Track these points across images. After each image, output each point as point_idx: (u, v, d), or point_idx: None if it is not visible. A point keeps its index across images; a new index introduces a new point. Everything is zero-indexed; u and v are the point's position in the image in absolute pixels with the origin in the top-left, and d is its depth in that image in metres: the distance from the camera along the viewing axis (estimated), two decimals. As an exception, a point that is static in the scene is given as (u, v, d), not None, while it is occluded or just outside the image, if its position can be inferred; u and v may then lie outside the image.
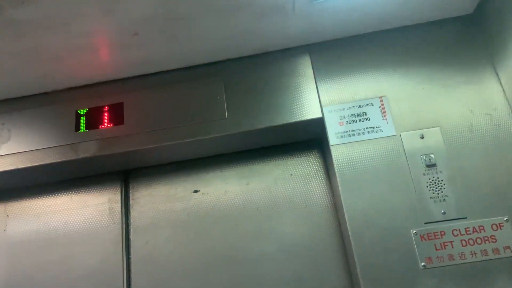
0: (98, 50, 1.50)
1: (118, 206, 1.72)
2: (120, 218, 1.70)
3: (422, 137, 1.42)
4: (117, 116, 1.62)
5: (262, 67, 1.62)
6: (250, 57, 1.65)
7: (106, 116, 1.62)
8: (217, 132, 1.55)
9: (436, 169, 1.38)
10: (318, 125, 1.53)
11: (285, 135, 1.64)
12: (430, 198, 1.35)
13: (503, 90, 1.43)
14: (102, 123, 1.61)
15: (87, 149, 1.58)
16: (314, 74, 1.58)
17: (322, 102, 1.53)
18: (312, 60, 1.60)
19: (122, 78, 1.69)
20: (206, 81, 1.63)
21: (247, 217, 1.64)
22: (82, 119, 1.63)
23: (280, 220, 1.62)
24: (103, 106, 1.64)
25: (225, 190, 1.70)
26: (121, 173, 1.78)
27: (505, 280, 1.24)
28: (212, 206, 1.68)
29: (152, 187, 1.75)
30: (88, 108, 1.64)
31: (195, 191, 1.72)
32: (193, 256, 1.62)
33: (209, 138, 1.56)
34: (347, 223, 1.36)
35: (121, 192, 1.75)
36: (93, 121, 1.62)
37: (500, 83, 1.44)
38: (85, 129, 1.61)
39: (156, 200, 1.73)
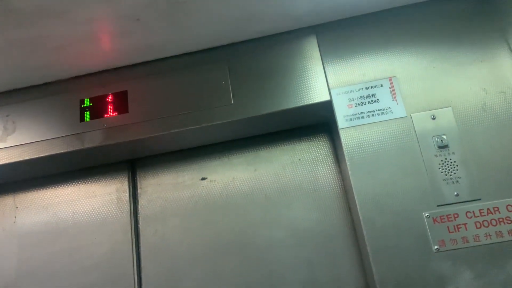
0: (100, 37, 1.47)
1: (126, 196, 1.71)
2: (128, 208, 1.70)
3: (434, 118, 1.38)
4: (122, 104, 1.60)
5: (267, 50, 1.58)
6: (254, 40, 1.61)
7: (110, 105, 1.60)
8: (222, 118, 1.52)
9: (449, 150, 1.34)
10: (326, 108, 1.50)
11: (293, 120, 1.61)
12: (443, 180, 1.31)
13: (518, 67, 1.39)
14: (106, 112, 1.59)
15: (93, 139, 1.57)
16: (321, 56, 1.53)
17: (330, 85, 1.49)
18: (318, 41, 1.56)
19: (125, 66, 1.66)
20: (210, 66, 1.60)
21: (256, 204, 1.63)
22: (87, 109, 1.61)
23: (289, 206, 1.60)
24: (107, 95, 1.62)
25: (233, 177, 1.68)
26: (128, 162, 1.77)
27: (520, 261, 1.22)
28: (220, 193, 1.67)
29: (160, 176, 1.74)
30: (92, 97, 1.62)
31: (203, 179, 1.70)
32: (202, 244, 1.61)
33: (215, 124, 1.53)
34: (358, 207, 1.34)
35: (129, 181, 1.74)
36: (97, 110, 1.60)
37: (515, 60, 1.40)
38: (90, 118, 1.59)
39: (164, 189, 1.72)
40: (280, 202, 1.61)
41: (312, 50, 1.55)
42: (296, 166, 1.65)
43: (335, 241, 1.53)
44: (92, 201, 1.73)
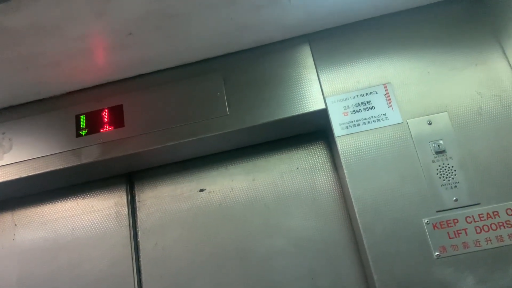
0: (94, 52, 1.47)
1: (124, 209, 1.71)
2: (128, 221, 1.69)
3: (430, 123, 1.38)
4: (117, 118, 1.59)
5: (261, 60, 1.58)
6: (248, 50, 1.61)
7: (106, 119, 1.60)
8: (218, 129, 1.52)
9: (446, 155, 1.33)
10: (322, 116, 1.49)
11: (289, 129, 1.60)
12: (441, 185, 1.31)
13: (512, 70, 1.39)
14: (102, 127, 1.59)
15: (89, 154, 1.56)
16: (315, 64, 1.53)
17: (324, 93, 1.49)
18: (312, 49, 1.56)
19: (119, 80, 1.66)
20: (205, 77, 1.60)
21: (255, 213, 1.62)
22: (82, 124, 1.61)
23: (289, 215, 1.59)
24: (103, 109, 1.61)
25: (232, 187, 1.68)
26: (125, 175, 1.76)
27: (522, 265, 1.21)
28: (219, 204, 1.66)
29: (158, 188, 1.74)
30: (88, 112, 1.62)
31: (201, 190, 1.70)
32: (203, 256, 1.61)
33: (211, 136, 1.53)
34: (357, 215, 1.33)
35: (127, 195, 1.74)
36: (93, 125, 1.60)
37: (509, 63, 1.39)
38: (86, 133, 1.59)
39: (163, 201, 1.71)
40: (279, 210, 1.61)
41: (305, 59, 1.55)
42: (295, 175, 1.64)
43: (335, 249, 1.52)
44: (91, 216, 1.72)
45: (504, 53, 1.41)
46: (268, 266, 1.55)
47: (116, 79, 1.65)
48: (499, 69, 1.40)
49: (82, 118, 1.62)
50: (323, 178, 1.62)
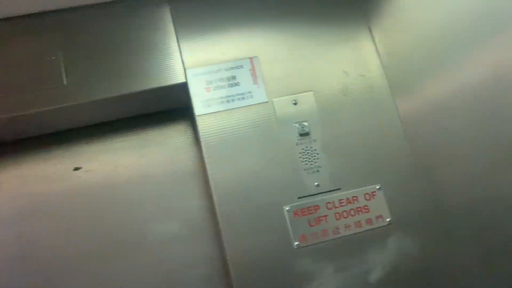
0: None
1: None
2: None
3: (296, 103, 1.28)
4: None
5: (110, 19, 1.31)
6: (95, 6, 1.32)
7: None
8: (53, 103, 1.22)
9: (310, 138, 1.25)
10: (182, 91, 1.30)
11: (145, 105, 1.37)
12: (304, 169, 1.23)
13: (377, 50, 1.35)
14: None
15: None
16: (175, 30, 1.32)
17: (185, 64, 1.29)
18: (172, 13, 1.33)
19: None
20: (37, 36, 1.27)
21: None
22: None
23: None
24: None
25: (115, 165, 1.40)
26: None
27: (377, 250, 1.19)
28: (100, 185, 1.38)
29: (24, 167, 1.38)
30: None
31: (76, 169, 1.40)
32: (83, 247, 1.31)
33: (46, 110, 1.23)
34: (215, 202, 1.19)
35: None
36: None
37: (374, 42, 1.35)
38: None
39: (29, 182, 1.36)
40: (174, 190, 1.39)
41: (165, 23, 1.32)
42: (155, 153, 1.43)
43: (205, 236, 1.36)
44: None
45: (371, 32, 1.36)
46: (160, 253, 1.33)
47: None
48: (365, 47, 1.35)
49: None
50: (188, 159, 1.43)
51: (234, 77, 1.28)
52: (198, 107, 1.25)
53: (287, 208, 1.19)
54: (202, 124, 1.24)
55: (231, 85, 1.27)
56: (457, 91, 1.03)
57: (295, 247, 1.16)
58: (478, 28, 0.92)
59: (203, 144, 1.23)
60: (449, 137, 1.10)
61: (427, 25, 1.10)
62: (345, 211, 1.21)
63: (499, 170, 0.95)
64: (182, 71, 1.28)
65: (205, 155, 1.22)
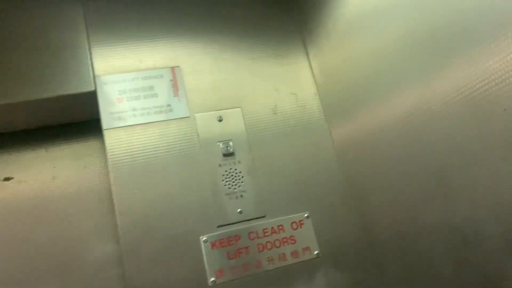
0: None
1: None
2: None
3: (221, 120, 1.15)
4: None
5: (14, 12, 1.13)
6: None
7: None
8: None
9: (235, 158, 1.13)
10: (91, 101, 1.13)
11: (50, 115, 1.19)
12: (226, 194, 1.09)
13: (311, 67, 1.26)
14: None
15: None
16: (87, 31, 1.16)
17: (95, 70, 1.13)
18: (85, 11, 1.17)
19: None
20: None
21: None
22: None
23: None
24: None
25: (53, 176, 1.22)
26: None
27: (304, 286, 1.07)
28: (33, 198, 1.19)
29: None
30: None
31: (7, 179, 1.21)
32: (9, 269, 1.12)
33: None
34: (120, 232, 1.02)
35: None
36: None
37: (308, 59, 1.27)
38: None
39: None
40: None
41: (75, 22, 1.16)
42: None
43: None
44: None
45: (305, 48, 1.28)
46: (100, 276, 1.16)
47: None
48: (299, 64, 1.26)
49: None
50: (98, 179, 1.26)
51: (151, 88, 1.13)
52: (107, 120, 1.09)
53: (204, 238, 1.05)
54: (110, 140, 1.08)
55: (147, 96, 1.12)
56: (388, 120, 0.95)
57: (210, 284, 1.02)
58: (413, 58, 0.85)
59: (109, 162, 1.06)
60: (380, 166, 1.02)
61: (361, 50, 1.02)
62: (269, 242, 1.08)
63: (426, 200, 0.87)
64: (92, 77, 1.12)
65: (111, 175, 1.05)
